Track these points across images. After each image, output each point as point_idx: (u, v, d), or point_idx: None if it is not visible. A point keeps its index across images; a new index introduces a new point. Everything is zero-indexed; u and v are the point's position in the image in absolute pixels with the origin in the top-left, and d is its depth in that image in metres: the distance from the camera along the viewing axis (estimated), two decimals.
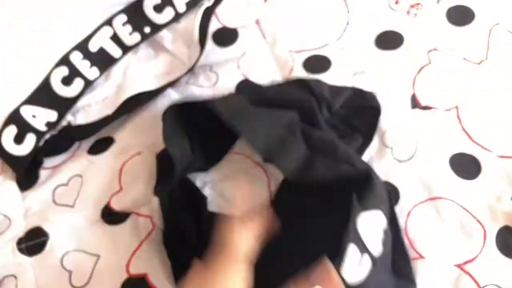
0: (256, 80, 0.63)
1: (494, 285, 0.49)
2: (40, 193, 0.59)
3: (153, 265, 0.53)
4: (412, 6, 0.66)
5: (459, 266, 0.50)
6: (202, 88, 0.63)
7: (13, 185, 0.60)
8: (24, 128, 0.59)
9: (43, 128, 0.60)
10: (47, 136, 0.60)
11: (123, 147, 0.60)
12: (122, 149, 0.60)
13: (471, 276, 0.49)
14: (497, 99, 0.58)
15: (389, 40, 0.64)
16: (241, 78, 0.63)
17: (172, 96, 0.63)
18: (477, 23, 0.63)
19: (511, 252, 0.50)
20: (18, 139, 0.59)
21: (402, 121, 0.58)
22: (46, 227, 0.56)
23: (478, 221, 0.52)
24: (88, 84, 0.63)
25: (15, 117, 0.59)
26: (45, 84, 0.61)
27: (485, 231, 0.51)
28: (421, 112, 0.59)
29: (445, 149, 0.56)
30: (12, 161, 0.59)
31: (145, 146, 0.60)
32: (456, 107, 0.58)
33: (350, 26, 0.66)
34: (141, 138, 0.60)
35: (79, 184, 0.58)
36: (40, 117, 0.60)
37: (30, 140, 0.58)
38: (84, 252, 0.54)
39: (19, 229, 0.57)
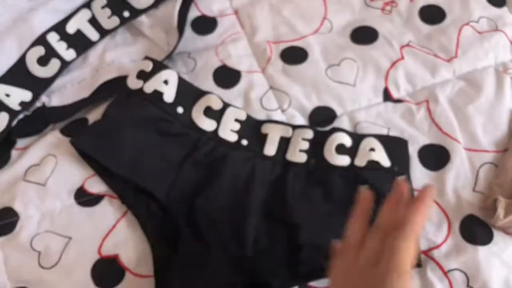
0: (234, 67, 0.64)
1: (458, 269, 0.50)
2: (11, 173, 0.57)
3: (126, 247, 0.53)
4: (386, 4, 0.68)
5: (424, 252, 0.52)
6: (180, 74, 0.64)
7: None
8: None
9: (16, 107, 0.58)
10: (21, 116, 0.59)
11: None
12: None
13: (435, 261, 0.51)
14: (465, 94, 0.61)
15: (364, 35, 0.66)
16: (219, 65, 0.64)
17: None
18: (447, 22, 0.66)
19: (475, 239, 0.52)
20: None
21: (375, 113, 0.60)
22: (16, 207, 0.55)
23: (443, 210, 0.54)
24: (65, 65, 0.62)
25: None
26: (20, 63, 0.60)
27: (449, 220, 0.53)
28: (393, 105, 0.61)
29: (415, 140, 0.58)
30: None
31: None
32: (427, 101, 0.60)
33: (327, 20, 0.67)
34: None
35: (52, 164, 0.57)
36: (14, 96, 0.59)
37: (2, 119, 0.57)
38: (55, 234, 0.54)
39: None
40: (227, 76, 0.63)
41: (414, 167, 0.56)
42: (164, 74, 0.57)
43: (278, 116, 0.60)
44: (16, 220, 0.54)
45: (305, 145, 0.55)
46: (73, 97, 0.61)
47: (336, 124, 0.60)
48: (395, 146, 0.56)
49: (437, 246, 0.52)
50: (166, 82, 0.57)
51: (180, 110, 0.57)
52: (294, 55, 0.64)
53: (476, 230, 0.52)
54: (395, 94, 0.62)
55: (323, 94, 0.61)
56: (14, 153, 0.59)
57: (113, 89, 0.61)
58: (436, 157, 0.57)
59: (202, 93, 0.58)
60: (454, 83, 0.62)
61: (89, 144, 0.55)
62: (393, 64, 0.63)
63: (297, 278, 0.50)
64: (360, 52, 0.64)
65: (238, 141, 0.56)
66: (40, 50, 0.61)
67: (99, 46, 0.66)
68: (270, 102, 0.61)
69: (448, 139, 0.58)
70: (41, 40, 0.61)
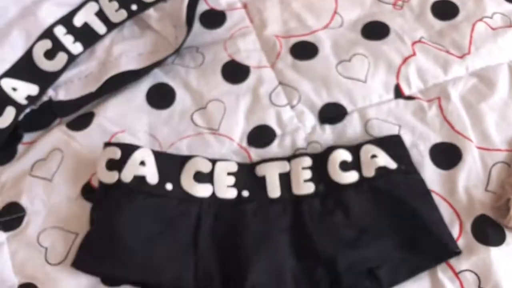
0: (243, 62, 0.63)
1: (469, 270, 0.50)
2: (17, 167, 0.57)
3: None
4: None
5: None
6: (188, 69, 0.63)
7: None
8: (3, 100, 0.57)
9: (23, 101, 0.58)
10: (27, 110, 0.59)
11: (106, 124, 0.59)
12: (105, 126, 0.59)
13: (447, 262, 0.50)
14: (477, 91, 0.60)
15: (375, 30, 0.65)
16: (227, 59, 0.63)
17: (158, 75, 0.63)
18: (460, 18, 0.65)
19: (487, 239, 0.51)
20: None
21: (386, 110, 0.59)
22: (23, 202, 0.55)
23: (455, 210, 0.53)
24: (72, 59, 0.61)
25: None
26: (27, 57, 0.60)
27: (461, 220, 0.53)
28: (404, 102, 0.60)
29: (427, 138, 0.57)
30: None
31: (128, 125, 0.59)
32: (438, 98, 0.60)
33: (338, 14, 0.66)
34: (124, 117, 0.60)
35: (58, 159, 0.57)
36: (21, 90, 0.58)
37: (9, 113, 0.57)
38: (62, 230, 0.53)
39: None
40: (235, 71, 0.62)
41: (425, 166, 0.56)
42: (137, 155, 0.52)
43: (287, 112, 0.60)
44: (23, 215, 0.54)
45: (308, 174, 0.53)
46: (80, 91, 0.61)
47: (346, 121, 0.59)
48: (392, 144, 0.55)
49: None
50: (143, 163, 0.52)
51: (169, 187, 0.52)
52: (304, 50, 0.64)
53: (488, 230, 0.52)
54: (406, 90, 0.61)
55: (333, 90, 0.60)
56: (20, 147, 0.59)
57: (120, 83, 0.61)
58: (447, 155, 0.56)
59: (184, 159, 0.54)
60: (467, 80, 0.61)
61: (93, 264, 0.50)
62: (405, 60, 0.62)
63: None
64: (371, 47, 0.63)
65: (239, 195, 0.53)
66: (47, 44, 0.61)
67: (106, 40, 0.65)
68: (279, 98, 0.61)
69: (460, 137, 0.57)
70: (48, 33, 0.61)
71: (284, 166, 0.54)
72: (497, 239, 0.51)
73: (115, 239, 0.49)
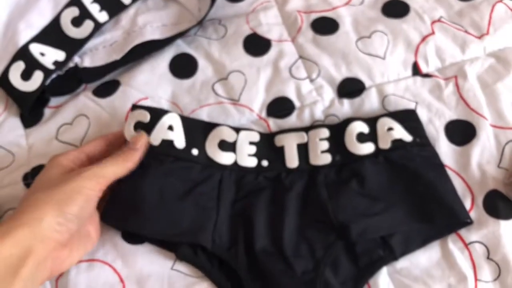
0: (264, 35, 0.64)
1: (479, 242, 0.51)
2: (44, 130, 0.59)
3: None
4: None
5: None
6: (210, 40, 0.64)
7: (17, 121, 0.60)
8: (32, 64, 0.58)
9: (51, 66, 0.59)
10: (54, 76, 0.60)
11: (130, 91, 0.61)
12: (129, 93, 0.60)
13: (457, 233, 0.52)
14: (494, 71, 0.61)
15: (395, 9, 0.65)
16: (249, 32, 0.64)
17: (181, 46, 0.64)
18: None
19: (498, 213, 0.52)
20: (26, 75, 0.58)
21: (403, 87, 0.60)
22: None
23: (467, 184, 0.55)
24: (98, 27, 0.63)
25: (23, 53, 0.59)
26: (55, 24, 0.61)
27: (473, 195, 0.54)
28: (422, 79, 0.61)
29: (442, 115, 0.58)
30: (19, 97, 0.58)
31: (151, 93, 0.61)
32: (455, 77, 0.61)
33: None
34: (148, 85, 0.61)
35: (85, 125, 0.59)
36: (49, 55, 0.60)
37: (37, 77, 0.58)
38: None
39: (24, 165, 0.57)
40: (257, 44, 0.63)
41: (440, 142, 0.57)
42: (166, 120, 0.53)
43: (306, 85, 0.61)
44: None
45: (325, 145, 0.54)
46: (105, 59, 0.62)
47: (364, 96, 0.60)
48: (408, 118, 0.56)
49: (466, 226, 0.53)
50: (171, 128, 0.53)
51: (195, 152, 0.53)
52: (325, 26, 0.64)
53: (499, 204, 0.53)
54: (424, 69, 0.62)
55: (352, 65, 0.62)
56: (47, 111, 0.61)
57: (144, 52, 0.62)
58: (462, 132, 0.57)
59: (209, 127, 0.55)
60: (484, 60, 0.62)
61: (118, 219, 0.52)
62: (424, 38, 0.63)
63: (361, 271, 0.51)
64: (391, 25, 0.64)
65: (259, 164, 0.54)
66: (74, 11, 0.62)
67: (131, 10, 0.66)
68: (299, 71, 0.62)
69: (475, 115, 0.58)
70: (76, 1, 0.62)
71: (302, 137, 0.55)
72: (507, 213, 0.52)
73: (140, 197, 0.51)
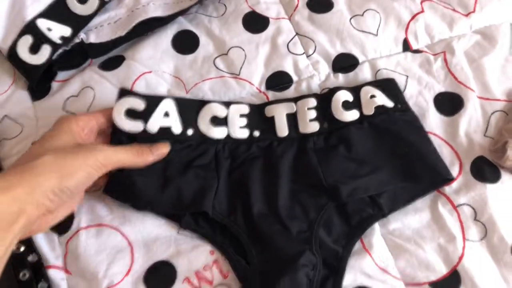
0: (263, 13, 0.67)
1: (466, 204, 0.55)
2: (51, 103, 0.61)
3: None
4: None
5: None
6: (211, 18, 0.67)
7: (25, 94, 0.62)
8: (40, 38, 0.60)
9: (58, 41, 0.61)
10: (60, 51, 0.62)
11: (134, 65, 0.63)
12: (134, 67, 0.63)
13: (446, 196, 0.55)
14: (480, 47, 0.64)
15: None
16: (248, 10, 0.67)
17: (182, 23, 0.67)
18: None
19: (484, 177, 0.56)
20: (34, 49, 0.60)
21: (395, 62, 0.64)
22: None
23: (456, 152, 0.58)
24: (102, 4, 0.64)
25: (31, 28, 0.60)
26: (61, 0, 0.63)
27: (461, 161, 0.57)
28: (412, 54, 0.64)
29: (432, 87, 0.62)
30: (27, 70, 0.60)
31: (154, 67, 0.63)
32: (444, 52, 0.64)
33: None
34: (151, 59, 0.63)
35: (90, 96, 0.61)
36: (55, 30, 0.61)
37: (45, 50, 0.60)
38: None
39: (32, 135, 0.59)
40: (256, 22, 0.66)
41: (430, 112, 0.60)
42: (162, 107, 0.55)
43: (303, 60, 0.64)
44: None
45: (313, 114, 0.57)
46: (110, 35, 0.64)
47: (358, 70, 0.63)
48: (388, 86, 0.59)
49: (447, 184, 0.56)
50: (167, 114, 0.55)
51: (190, 132, 0.55)
52: (320, 4, 0.68)
53: (485, 169, 0.56)
54: (414, 45, 0.65)
55: (346, 41, 0.65)
56: (54, 85, 0.63)
57: (148, 28, 0.64)
58: (450, 103, 0.61)
59: (200, 104, 0.56)
60: (470, 36, 0.65)
61: (123, 196, 0.54)
62: (414, 16, 0.66)
63: (352, 228, 0.53)
64: (383, 4, 0.67)
65: (251, 135, 0.56)
66: None
67: None
68: (296, 47, 0.65)
69: (462, 87, 0.61)
70: None
71: (291, 107, 0.57)
72: (493, 177, 0.56)
73: (144, 180, 0.53)
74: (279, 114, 0.57)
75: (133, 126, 0.54)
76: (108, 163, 0.48)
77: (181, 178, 0.54)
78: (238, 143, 0.56)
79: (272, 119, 0.57)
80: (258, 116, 0.57)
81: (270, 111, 0.57)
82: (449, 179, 0.55)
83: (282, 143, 0.56)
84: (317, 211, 0.53)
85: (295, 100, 0.58)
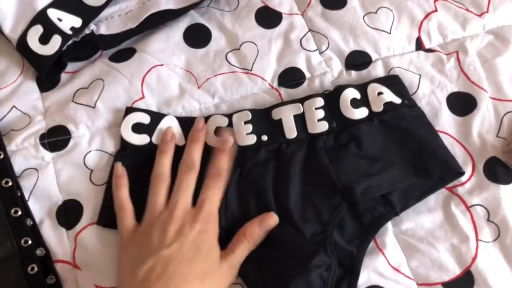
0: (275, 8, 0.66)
1: (480, 205, 0.54)
2: (60, 94, 0.60)
3: None
4: None
5: (449, 189, 0.56)
6: (223, 12, 0.66)
7: (33, 85, 0.61)
8: (50, 28, 0.59)
9: (68, 31, 0.60)
10: (70, 42, 0.61)
11: (146, 57, 0.62)
12: (145, 59, 0.62)
13: (459, 197, 0.55)
14: (493, 48, 0.64)
15: None
16: (261, 5, 0.67)
17: (194, 16, 0.66)
18: None
19: (497, 178, 0.55)
20: (44, 39, 0.59)
21: (407, 61, 0.63)
22: (69, 126, 0.58)
23: (468, 152, 0.57)
24: None
25: (41, 18, 0.59)
26: None
27: (474, 161, 0.57)
28: (425, 53, 0.64)
29: (445, 87, 0.61)
30: (36, 60, 0.59)
31: (166, 61, 0.62)
32: (457, 52, 0.64)
33: None
34: (163, 52, 0.63)
35: (100, 87, 0.60)
36: (66, 21, 0.60)
37: (56, 41, 0.59)
38: (106, 153, 0.57)
39: (40, 127, 0.58)
40: (268, 17, 0.66)
41: (442, 112, 0.60)
42: (165, 122, 0.57)
43: (316, 57, 0.63)
44: (69, 138, 0.57)
45: (321, 113, 0.56)
46: (121, 27, 0.63)
47: (371, 67, 0.63)
48: (394, 83, 0.59)
49: (462, 184, 0.56)
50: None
51: None
52: (333, 1, 0.67)
53: (498, 170, 0.56)
54: (427, 44, 0.64)
55: (360, 39, 0.64)
56: (64, 76, 0.62)
57: (159, 21, 0.63)
58: (463, 103, 0.60)
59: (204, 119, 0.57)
60: (483, 37, 0.65)
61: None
62: (427, 15, 0.66)
63: (365, 228, 0.53)
64: (396, 2, 0.67)
65: (259, 139, 0.56)
66: None
67: None
68: (309, 44, 0.64)
69: (475, 87, 0.61)
70: None
71: (298, 108, 0.57)
72: (506, 179, 0.56)
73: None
74: (287, 116, 0.56)
75: (140, 139, 0.56)
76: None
77: None
78: (246, 150, 0.55)
79: (279, 122, 0.56)
80: (264, 120, 0.57)
81: (277, 113, 0.57)
82: (460, 174, 0.55)
83: (291, 145, 0.56)
84: (330, 212, 0.53)
85: (302, 101, 0.58)
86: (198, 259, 0.47)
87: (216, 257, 0.49)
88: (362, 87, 0.58)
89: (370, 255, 0.52)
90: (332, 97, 0.57)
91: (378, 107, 0.57)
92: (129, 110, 0.57)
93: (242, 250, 0.50)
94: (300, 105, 0.57)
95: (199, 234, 0.48)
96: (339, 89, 0.58)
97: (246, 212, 0.53)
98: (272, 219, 0.52)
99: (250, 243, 0.50)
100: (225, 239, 0.51)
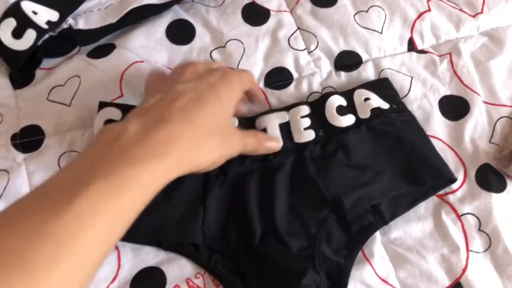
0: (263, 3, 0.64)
1: (471, 214, 0.53)
2: (35, 92, 0.57)
3: None
4: None
5: (439, 196, 0.54)
6: (208, 8, 0.63)
7: (5, 81, 0.58)
8: (24, 22, 0.56)
9: (44, 26, 0.57)
10: (46, 36, 0.58)
11: (126, 53, 0.59)
12: (125, 55, 0.59)
13: (450, 205, 0.53)
14: (487, 50, 0.62)
15: None
16: (248, 1, 0.64)
17: (178, 12, 0.63)
18: None
19: (489, 186, 0.54)
20: (17, 33, 0.56)
21: (399, 62, 0.61)
22: (42, 126, 0.55)
23: (460, 158, 0.56)
24: None
25: (15, 10, 0.56)
26: None
27: (465, 168, 0.55)
28: (417, 55, 0.62)
29: (437, 90, 0.59)
30: (9, 56, 0.56)
31: (147, 57, 0.59)
32: (450, 54, 0.62)
33: None
34: (144, 49, 0.60)
35: (76, 85, 0.57)
36: (41, 14, 0.57)
37: (30, 35, 0.56)
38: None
39: (12, 126, 0.55)
40: (256, 14, 0.63)
41: (434, 116, 0.58)
42: None
43: (304, 56, 0.61)
44: (42, 138, 0.55)
45: (307, 122, 0.54)
46: (100, 21, 0.60)
47: (361, 69, 0.60)
48: (382, 87, 0.57)
49: (453, 191, 0.54)
50: None
51: None
52: None
53: (490, 178, 0.54)
54: (419, 45, 0.62)
55: (350, 38, 0.62)
56: (39, 72, 0.59)
57: (141, 16, 0.61)
58: (455, 107, 0.58)
59: None
60: (477, 38, 0.63)
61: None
62: (420, 15, 0.64)
63: (353, 238, 0.51)
64: (389, 0, 0.65)
65: None
66: None
67: None
68: (297, 42, 0.62)
69: (468, 91, 0.59)
70: None
71: (283, 117, 0.54)
72: (499, 187, 0.54)
73: None
74: (272, 125, 0.53)
75: None
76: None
77: (167, 205, 0.50)
78: (229, 161, 0.51)
79: (264, 131, 0.53)
80: (247, 129, 0.54)
81: (261, 123, 0.54)
82: (452, 180, 0.53)
83: (278, 155, 0.53)
84: (318, 225, 0.50)
85: (287, 109, 0.55)
86: (214, 100, 0.46)
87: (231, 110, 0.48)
88: (348, 94, 0.56)
89: (357, 266, 0.50)
90: (317, 105, 0.55)
91: (365, 114, 0.54)
92: (102, 104, 0.54)
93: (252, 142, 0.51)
94: (286, 113, 0.54)
95: (219, 80, 0.47)
96: (325, 96, 0.55)
97: (225, 225, 0.50)
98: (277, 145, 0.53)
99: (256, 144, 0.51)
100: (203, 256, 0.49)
